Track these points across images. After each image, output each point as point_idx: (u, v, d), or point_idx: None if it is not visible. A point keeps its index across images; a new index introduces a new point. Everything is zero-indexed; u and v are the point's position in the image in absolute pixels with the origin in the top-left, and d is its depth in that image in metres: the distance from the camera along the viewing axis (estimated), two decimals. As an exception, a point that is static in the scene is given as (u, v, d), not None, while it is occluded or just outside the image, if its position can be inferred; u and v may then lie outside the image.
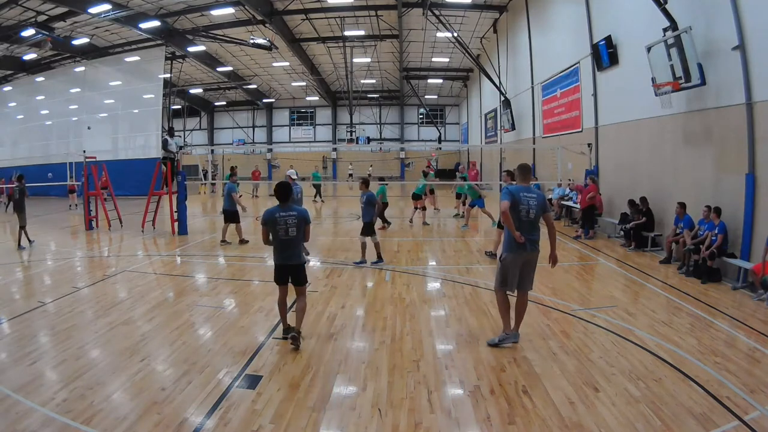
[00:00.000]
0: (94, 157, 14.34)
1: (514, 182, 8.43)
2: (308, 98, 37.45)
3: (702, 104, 8.00)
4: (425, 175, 15.03)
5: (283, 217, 4.63)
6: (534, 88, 17.20)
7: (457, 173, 19.75)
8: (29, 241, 10.41)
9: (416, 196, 13.70)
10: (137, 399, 3.67)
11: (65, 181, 17.07)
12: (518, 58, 18.94)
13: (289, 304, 4.97)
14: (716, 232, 7.18)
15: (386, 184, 12.45)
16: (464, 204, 14.37)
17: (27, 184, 10.99)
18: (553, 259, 4.72)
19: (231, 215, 10.44)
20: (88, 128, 23.40)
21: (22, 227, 10.19)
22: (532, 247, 4.59)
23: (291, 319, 4.98)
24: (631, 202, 9.76)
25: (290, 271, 4.76)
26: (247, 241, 10.31)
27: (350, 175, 33.59)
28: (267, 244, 4.82)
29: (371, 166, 28.53)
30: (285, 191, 4.75)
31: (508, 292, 4.74)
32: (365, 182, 8.44)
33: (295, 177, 10.82)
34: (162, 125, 22.92)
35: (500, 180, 21.50)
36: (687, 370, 4.14)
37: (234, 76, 30.98)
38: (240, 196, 10.84)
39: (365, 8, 19.98)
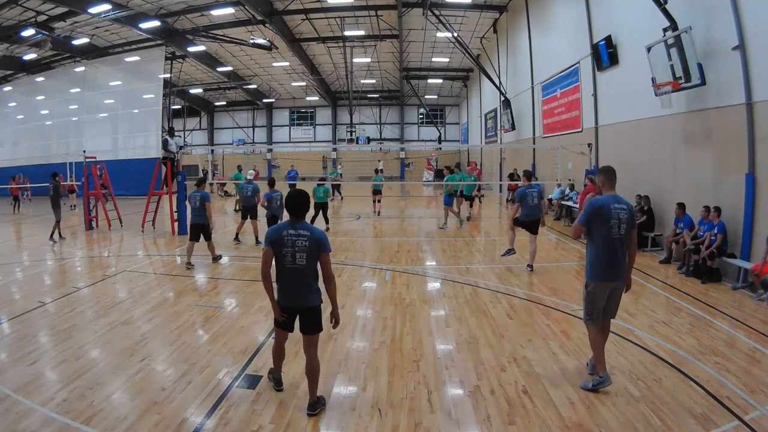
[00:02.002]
0: (94, 157, 14.34)
1: (530, 182, 8.35)
2: (308, 98, 37.42)
3: (702, 104, 8.00)
4: (446, 172, 13.85)
5: (292, 237, 3.35)
6: (534, 88, 17.20)
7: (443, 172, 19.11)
8: (60, 237, 10.99)
9: (376, 191, 14.87)
10: (137, 399, 3.67)
11: (65, 181, 17.06)
12: (518, 58, 18.93)
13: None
14: (716, 232, 7.19)
15: (324, 184, 11.68)
16: (472, 205, 14.41)
17: (28, 185, 11.13)
18: (628, 284, 3.93)
19: (201, 230, 8.29)
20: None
21: (57, 221, 10.89)
22: (622, 273, 3.85)
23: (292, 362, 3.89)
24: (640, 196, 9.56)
25: (300, 316, 3.51)
26: (193, 266, 8.22)
27: (340, 175, 33.85)
28: (265, 279, 3.42)
29: (379, 160, 29.28)
30: (300, 203, 3.44)
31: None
32: (271, 182, 9.45)
33: (251, 177, 10.74)
34: (162, 125, 22.90)
35: (500, 180, 21.68)
36: (687, 370, 4.14)
37: (234, 76, 30.96)
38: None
39: (365, 8, 19.97)
